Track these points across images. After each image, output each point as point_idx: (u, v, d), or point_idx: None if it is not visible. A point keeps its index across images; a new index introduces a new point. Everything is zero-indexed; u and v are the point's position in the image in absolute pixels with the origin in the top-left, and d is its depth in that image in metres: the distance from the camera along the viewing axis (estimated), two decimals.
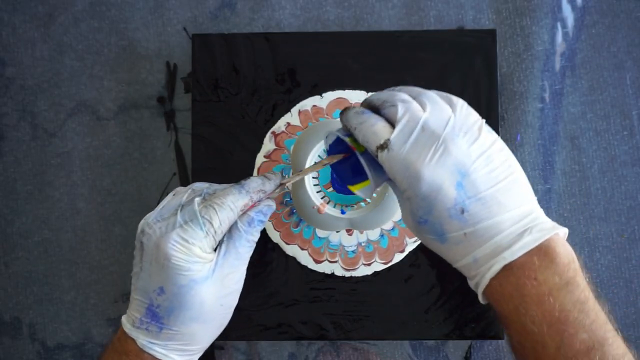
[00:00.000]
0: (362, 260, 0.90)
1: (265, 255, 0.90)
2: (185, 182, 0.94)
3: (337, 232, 0.90)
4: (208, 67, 0.91)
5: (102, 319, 0.94)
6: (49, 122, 0.95)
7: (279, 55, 0.91)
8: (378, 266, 0.90)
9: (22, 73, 0.96)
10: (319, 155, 0.87)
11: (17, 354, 0.94)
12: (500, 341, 0.93)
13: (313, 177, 0.87)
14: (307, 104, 0.91)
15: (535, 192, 0.93)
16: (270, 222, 0.90)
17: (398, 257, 0.90)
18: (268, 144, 0.91)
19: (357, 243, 0.90)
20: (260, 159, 0.91)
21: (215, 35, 0.92)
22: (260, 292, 0.90)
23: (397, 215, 0.89)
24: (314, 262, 0.90)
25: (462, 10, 0.95)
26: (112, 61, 0.96)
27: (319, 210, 0.85)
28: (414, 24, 0.95)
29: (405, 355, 0.93)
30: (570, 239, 0.94)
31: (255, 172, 0.90)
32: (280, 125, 0.91)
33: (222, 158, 0.91)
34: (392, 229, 0.90)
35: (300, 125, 0.90)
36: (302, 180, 0.85)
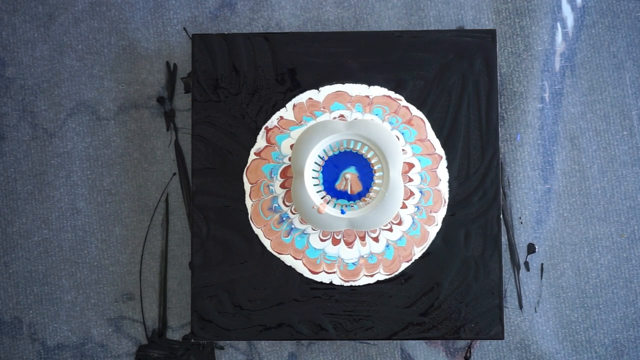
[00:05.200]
0: (363, 272, 0.89)
1: (265, 256, 0.90)
2: (185, 182, 0.94)
3: (335, 245, 0.89)
4: (208, 67, 0.91)
5: (102, 319, 0.94)
6: (49, 122, 0.95)
7: (279, 55, 0.91)
8: (381, 276, 0.89)
9: (22, 73, 0.96)
10: (318, 155, 0.87)
11: (17, 354, 0.94)
12: (500, 341, 0.93)
13: (313, 177, 0.87)
14: (303, 97, 0.91)
15: (535, 192, 0.94)
16: (260, 230, 0.89)
17: (404, 266, 0.89)
18: (260, 141, 0.91)
19: (358, 256, 0.89)
20: (251, 156, 0.90)
21: (215, 35, 0.92)
22: (260, 292, 0.90)
23: (404, 222, 0.89)
24: (310, 272, 0.89)
25: (462, 10, 0.95)
26: (112, 61, 0.96)
27: (318, 210, 0.85)
28: (414, 24, 0.95)
29: (405, 355, 0.93)
30: (570, 239, 0.94)
31: (245, 171, 0.90)
32: (273, 120, 0.91)
33: (222, 158, 0.91)
34: (400, 239, 0.89)
35: (294, 119, 0.90)
36: (302, 180, 0.85)
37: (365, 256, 0.89)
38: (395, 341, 0.93)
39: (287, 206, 0.89)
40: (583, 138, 0.94)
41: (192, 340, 0.92)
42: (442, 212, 0.89)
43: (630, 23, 0.95)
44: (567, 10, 0.95)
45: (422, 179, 0.89)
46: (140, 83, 0.95)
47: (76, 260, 0.95)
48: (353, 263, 0.89)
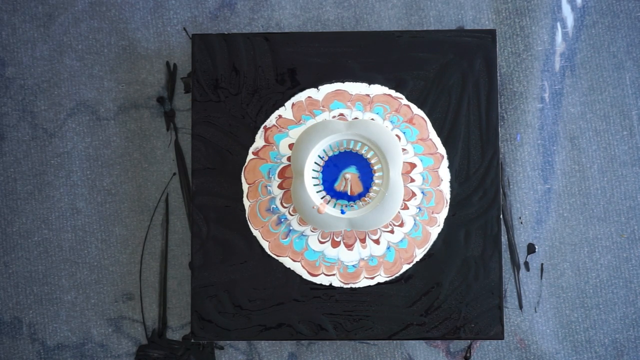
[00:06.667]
0: (364, 274, 0.89)
1: (265, 256, 0.90)
2: (185, 182, 0.94)
3: (334, 247, 0.88)
4: (208, 67, 0.91)
5: (102, 319, 0.94)
6: (49, 122, 0.95)
7: (279, 55, 0.91)
8: (382, 279, 0.89)
9: (22, 73, 0.96)
10: (318, 155, 0.87)
11: (17, 354, 0.94)
12: (500, 341, 0.93)
13: (313, 177, 0.87)
14: (302, 96, 0.91)
15: (535, 192, 0.94)
16: (258, 231, 0.89)
17: (405, 268, 0.89)
18: (258, 140, 0.91)
19: (358, 259, 0.89)
20: (249, 156, 0.90)
21: (215, 35, 0.92)
22: (260, 292, 0.90)
23: (405, 223, 0.89)
24: (309, 274, 0.89)
25: (462, 10, 0.95)
26: (112, 61, 0.96)
27: (318, 210, 0.85)
28: (414, 24, 0.95)
29: (405, 355, 0.93)
30: (570, 239, 0.94)
31: (242, 171, 0.90)
32: (271, 119, 0.91)
33: (222, 158, 0.91)
34: (401, 241, 0.89)
35: (292, 118, 0.90)
36: (302, 180, 0.85)
37: (365, 258, 0.89)
38: (395, 341, 0.93)
39: (285, 207, 0.89)
40: (583, 138, 0.94)
41: (192, 340, 0.92)
42: (444, 213, 0.89)
43: (630, 23, 0.95)
44: (567, 10, 0.95)
45: (423, 179, 0.89)
46: (140, 83, 0.95)
47: (76, 260, 0.95)
48: (353, 265, 0.89)
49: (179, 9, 0.96)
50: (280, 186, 0.89)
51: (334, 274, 0.89)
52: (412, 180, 0.89)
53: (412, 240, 0.89)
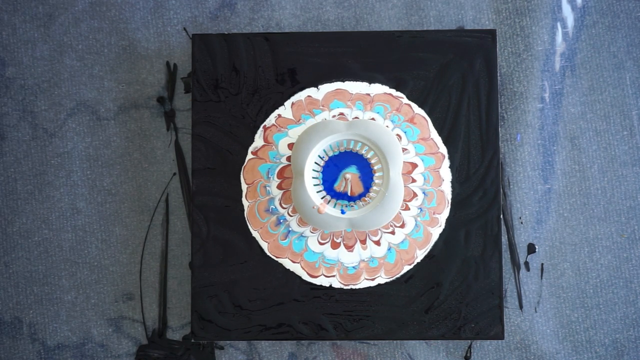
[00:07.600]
0: (364, 276, 0.89)
1: (265, 256, 0.90)
2: (185, 182, 0.94)
3: (334, 248, 0.88)
4: (208, 67, 0.91)
5: (102, 319, 0.94)
6: (49, 122, 0.95)
7: (279, 55, 0.91)
8: (382, 280, 0.89)
9: (22, 73, 0.96)
10: (319, 155, 0.87)
11: (17, 354, 0.94)
12: (500, 341, 0.93)
13: (313, 177, 0.87)
14: (301, 95, 0.91)
15: (535, 192, 0.94)
16: (257, 232, 0.89)
17: (406, 269, 0.89)
18: (257, 140, 0.91)
19: (358, 260, 0.89)
20: (248, 155, 0.90)
21: (215, 35, 0.92)
22: (260, 292, 0.90)
23: (406, 224, 0.89)
24: (308, 276, 0.89)
25: (462, 10, 0.95)
26: (112, 61, 0.96)
27: (319, 210, 0.85)
28: (414, 24, 0.95)
29: (405, 355, 0.93)
30: (570, 239, 0.94)
31: (242, 171, 0.90)
32: (271, 118, 0.91)
33: (222, 158, 0.91)
34: (402, 242, 0.89)
35: (292, 118, 0.90)
36: (302, 180, 0.85)
37: (366, 260, 0.89)
38: (395, 341, 0.93)
39: (284, 208, 0.89)
40: (583, 138, 0.94)
41: (192, 340, 0.92)
42: (446, 214, 0.89)
43: (630, 23, 0.95)
44: (567, 10, 0.95)
45: (425, 179, 0.89)
46: (140, 83, 0.95)
47: (76, 260, 0.95)
48: (353, 267, 0.89)
49: (179, 9, 0.96)
50: (279, 186, 0.89)
51: (333, 275, 0.89)
52: (414, 181, 0.88)
53: (414, 241, 0.89)
